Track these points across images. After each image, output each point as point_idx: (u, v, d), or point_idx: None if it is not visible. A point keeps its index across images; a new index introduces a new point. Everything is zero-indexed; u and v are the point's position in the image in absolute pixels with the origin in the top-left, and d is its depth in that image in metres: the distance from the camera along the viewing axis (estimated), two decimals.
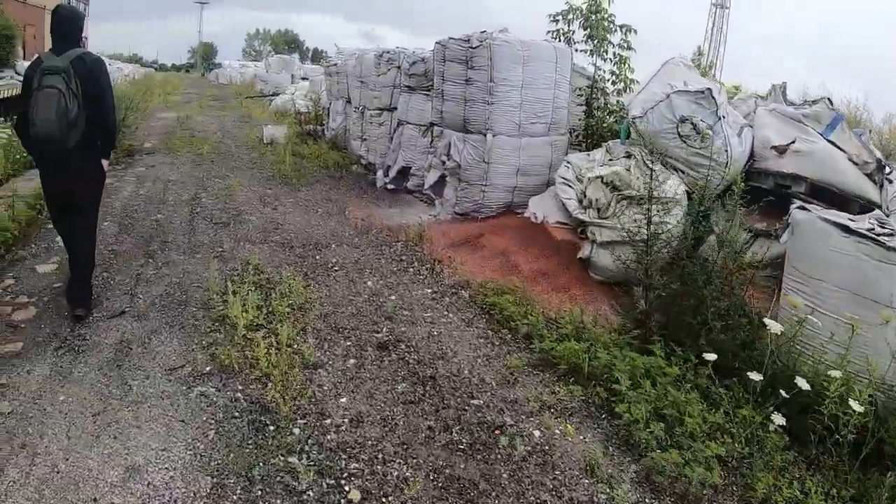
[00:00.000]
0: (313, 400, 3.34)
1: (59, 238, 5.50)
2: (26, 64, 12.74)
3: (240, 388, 3.42)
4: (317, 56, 67.98)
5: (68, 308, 4.14)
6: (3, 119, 9.56)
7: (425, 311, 4.56)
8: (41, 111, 3.60)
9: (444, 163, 6.84)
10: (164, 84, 28.46)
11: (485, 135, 6.38)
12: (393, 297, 4.77)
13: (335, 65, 11.02)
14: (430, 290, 4.94)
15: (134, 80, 27.02)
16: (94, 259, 4.37)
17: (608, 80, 7.36)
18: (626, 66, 7.25)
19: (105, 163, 4.16)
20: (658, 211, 4.23)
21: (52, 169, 3.94)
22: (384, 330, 4.23)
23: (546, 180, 6.69)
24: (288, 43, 72.82)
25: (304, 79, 19.20)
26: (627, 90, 7.27)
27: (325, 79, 12.34)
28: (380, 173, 8.29)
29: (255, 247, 5.65)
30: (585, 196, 5.54)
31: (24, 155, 8.06)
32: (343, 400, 3.37)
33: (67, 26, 3.92)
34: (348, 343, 4.02)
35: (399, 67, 8.30)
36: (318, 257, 5.50)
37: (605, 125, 7.13)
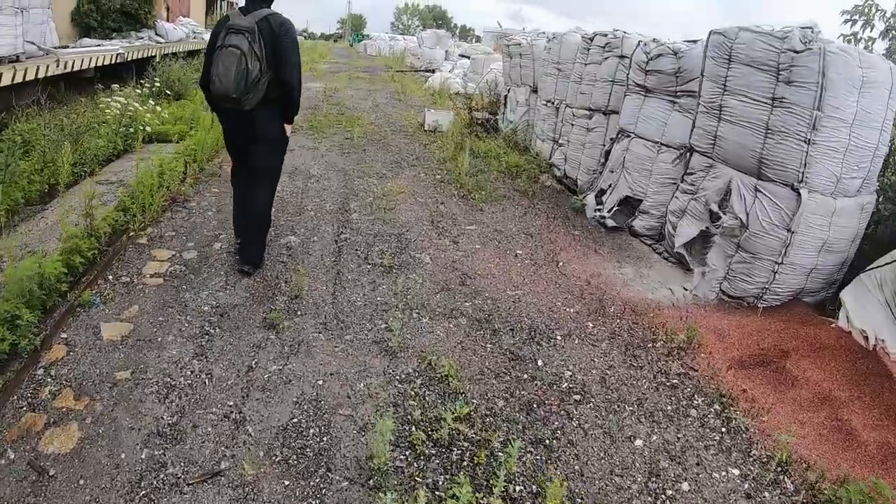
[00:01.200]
0: None
1: (152, 264, 3.70)
2: (168, 25, 12.28)
3: None
4: (464, 33, 66.31)
5: (237, 263, 3.94)
6: (129, 83, 8.38)
7: None
8: (221, 70, 3.38)
9: (711, 214, 4.27)
10: (312, 51, 27.61)
11: (795, 189, 3.75)
12: (685, 486, 2.42)
13: (518, 44, 8.64)
14: (736, 472, 2.52)
15: None
16: (269, 219, 4.11)
17: None
18: None
19: (287, 128, 3.88)
20: None
21: (232, 126, 3.75)
22: None
23: (843, 259, 4.00)
24: (436, 18, 71.61)
25: (463, 56, 17.07)
26: None
27: (503, 60, 10.01)
28: (590, 198, 5.81)
29: (436, 325, 3.44)
30: None
31: (153, 127, 6.70)
32: None
33: None
34: None
35: (622, 57, 5.75)
36: (540, 363, 3.17)
37: None
